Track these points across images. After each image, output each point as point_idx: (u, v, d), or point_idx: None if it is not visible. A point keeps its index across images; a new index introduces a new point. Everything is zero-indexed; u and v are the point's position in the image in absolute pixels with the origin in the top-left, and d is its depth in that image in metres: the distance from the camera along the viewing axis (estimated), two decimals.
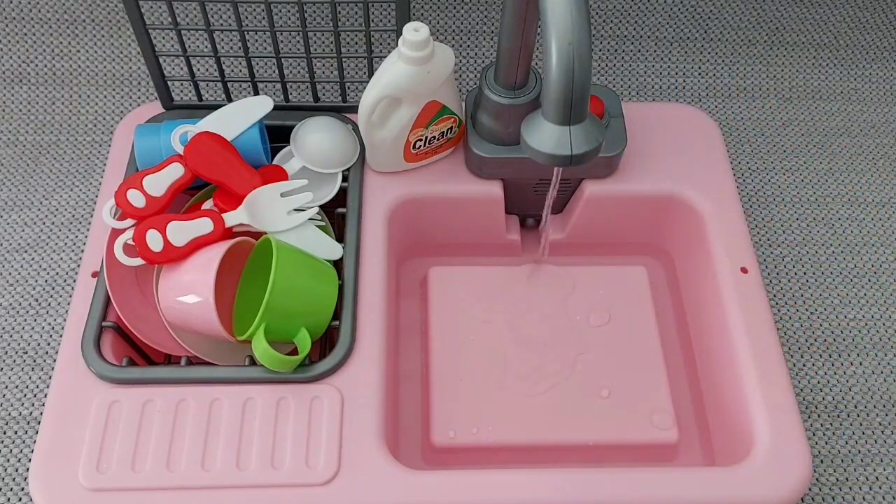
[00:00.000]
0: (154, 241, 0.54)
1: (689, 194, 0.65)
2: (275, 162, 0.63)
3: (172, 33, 0.81)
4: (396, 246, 0.65)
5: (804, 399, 0.68)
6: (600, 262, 0.71)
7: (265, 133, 0.63)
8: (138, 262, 0.54)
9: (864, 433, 0.66)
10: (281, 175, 0.60)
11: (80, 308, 0.56)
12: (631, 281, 0.69)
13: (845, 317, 0.72)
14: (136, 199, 0.56)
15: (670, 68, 0.86)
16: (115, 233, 0.57)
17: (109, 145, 0.66)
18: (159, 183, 0.56)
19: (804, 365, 0.69)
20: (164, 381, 0.53)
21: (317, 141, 0.62)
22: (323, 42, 0.83)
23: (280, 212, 0.58)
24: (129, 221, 0.56)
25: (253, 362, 0.55)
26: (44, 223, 0.73)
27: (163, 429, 0.51)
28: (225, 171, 0.57)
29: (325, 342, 0.60)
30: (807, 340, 0.71)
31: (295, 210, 0.58)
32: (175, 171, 0.57)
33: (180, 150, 0.57)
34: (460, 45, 0.84)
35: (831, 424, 0.67)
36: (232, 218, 0.56)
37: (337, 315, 0.56)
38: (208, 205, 0.59)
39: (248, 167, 0.58)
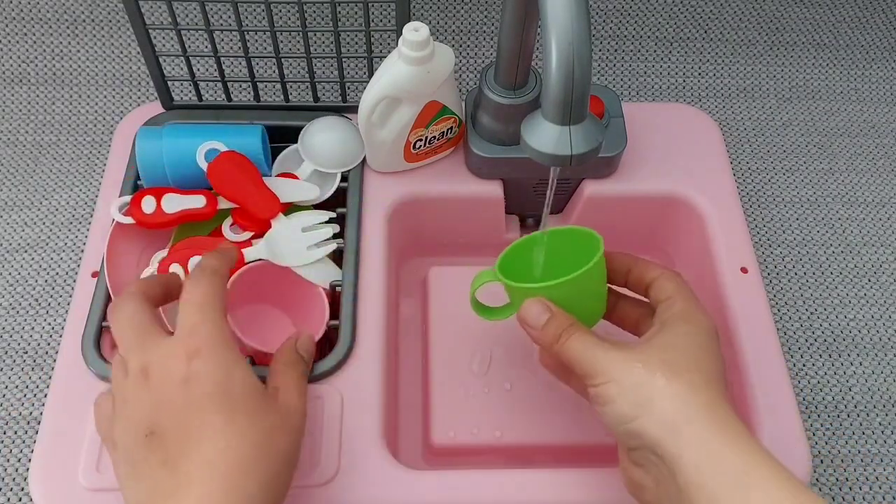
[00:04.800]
0: (148, 204, 0.57)
1: (689, 194, 0.65)
2: (279, 161, 0.63)
3: (172, 33, 0.81)
4: (396, 246, 0.65)
5: (804, 399, 0.68)
6: None
7: (266, 139, 0.63)
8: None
9: (864, 433, 0.66)
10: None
11: (80, 308, 0.56)
12: None
13: (845, 317, 0.72)
14: (148, 204, 0.57)
15: (670, 68, 0.86)
16: (117, 230, 0.57)
17: (109, 145, 0.66)
18: (177, 203, 0.58)
19: (804, 365, 0.69)
20: None
21: (327, 140, 0.62)
22: (323, 42, 0.83)
23: (300, 247, 0.58)
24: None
25: (253, 362, 0.54)
26: (44, 223, 0.73)
27: None
28: (247, 192, 0.58)
29: (325, 342, 0.60)
30: (807, 340, 0.71)
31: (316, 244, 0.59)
32: (196, 201, 0.58)
33: (204, 166, 0.58)
34: (460, 45, 0.84)
35: (831, 424, 0.67)
36: (252, 253, 0.57)
37: (337, 315, 0.56)
38: (228, 222, 0.60)
39: (269, 190, 0.59)
